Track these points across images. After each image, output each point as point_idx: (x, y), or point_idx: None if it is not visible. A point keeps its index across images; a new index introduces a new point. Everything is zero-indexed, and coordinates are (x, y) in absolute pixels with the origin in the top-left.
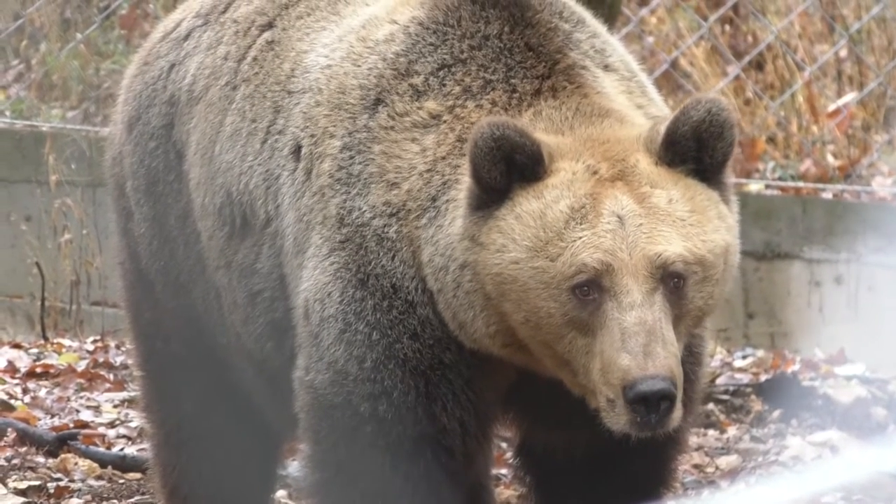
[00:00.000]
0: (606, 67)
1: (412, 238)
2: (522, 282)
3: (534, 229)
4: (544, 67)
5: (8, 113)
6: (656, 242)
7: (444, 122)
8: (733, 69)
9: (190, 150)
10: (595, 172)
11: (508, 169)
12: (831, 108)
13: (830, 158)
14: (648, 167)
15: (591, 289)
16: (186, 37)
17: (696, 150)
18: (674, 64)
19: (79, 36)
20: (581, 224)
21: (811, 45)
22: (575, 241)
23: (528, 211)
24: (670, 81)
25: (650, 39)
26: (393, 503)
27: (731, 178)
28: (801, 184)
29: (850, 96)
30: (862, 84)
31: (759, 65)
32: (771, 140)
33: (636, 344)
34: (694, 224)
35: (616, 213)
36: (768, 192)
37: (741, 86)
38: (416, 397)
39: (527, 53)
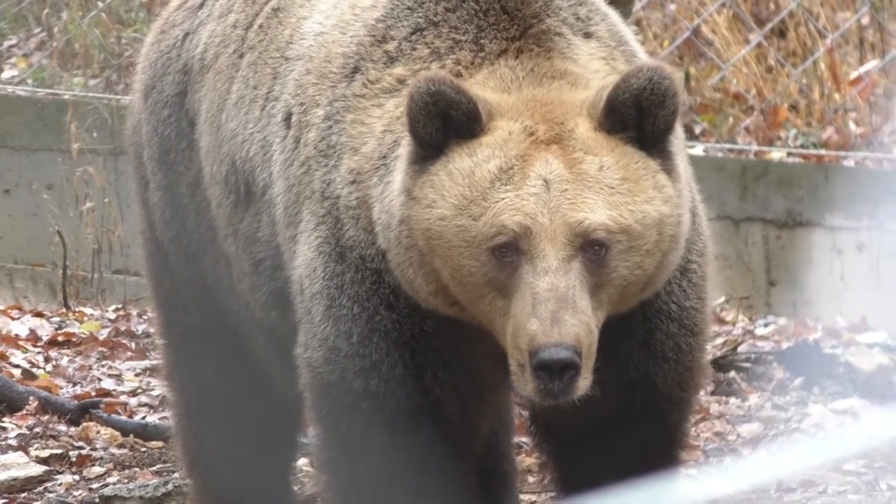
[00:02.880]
0: (587, 35)
1: (367, 201)
2: (447, 239)
3: (461, 187)
4: (516, 30)
5: (30, 81)
6: (579, 209)
7: (408, 85)
8: (755, 37)
9: (200, 118)
10: (532, 134)
11: (444, 125)
12: (853, 75)
13: (852, 126)
14: (586, 132)
15: (510, 251)
16: (201, 5)
17: (636, 118)
18: (696, 32)
19: (100, 4)
20: (506, 185)
21: (833, 13)
22: (498, 201)
23: (460, 168)
24: (692, 49)
25: (672, 7)
26: (399, 478)
27: (676, 147)
28: (822, 151)
29: (872, 64)
30: (884, 51)
31: (781, 32)
32: (793, 108)
33: (545, 310)
34: (624, 193)
35: (543, 176)
36: (790, 159)
37: (763, 53)
38: (405, 369)
39: (501, 16)
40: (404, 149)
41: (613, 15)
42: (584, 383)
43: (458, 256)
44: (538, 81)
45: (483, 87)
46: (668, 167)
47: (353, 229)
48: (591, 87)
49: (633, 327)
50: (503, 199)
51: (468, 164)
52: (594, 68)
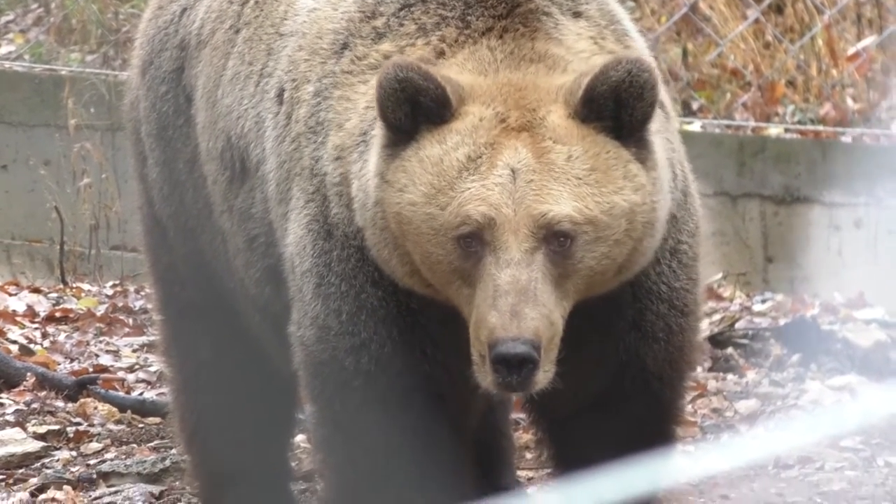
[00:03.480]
0: (577, 14)
1: (348, 177)
2: (416, 225)
3: (430, 176)
4: (504, 8)
5: (27, 57)
6: (543, 201)
7: None
8: (753, 13)
9: (197, 94)
10: (503, 120)
11: (413, 111)
12: (851, 51)
13: (850, 102)
14: (558, 120)
15: (474, 241)
16: None
17: (614, 109)
18: (693, 8)
19: None
20: (473, 175)
21: None
22: (464, 191)
23: (430, 155)
24: (690, 25)
25: None
26: (394, 455)
27: (652, 136)
28: (820, 127)
29: (870, 39)
30: (881, 27)
31: (778, 8)
32: (790, 84)
33: (505, 303)
34: (591, 183)
35: (511, 166)
36: (788, 135)
37: (761, 29)
38: (394, 347)
39: None
40: (378, 131)
41: None
42: (543, 377)
43: (426, 243)
44: (516, 65)
45: (461, 68)
46: (642, 156)
47: (337, 206)
48: (569, 72)
49: (624, 308)
50: (469, 188)
51: (437, 151)
52: (580, 48)
